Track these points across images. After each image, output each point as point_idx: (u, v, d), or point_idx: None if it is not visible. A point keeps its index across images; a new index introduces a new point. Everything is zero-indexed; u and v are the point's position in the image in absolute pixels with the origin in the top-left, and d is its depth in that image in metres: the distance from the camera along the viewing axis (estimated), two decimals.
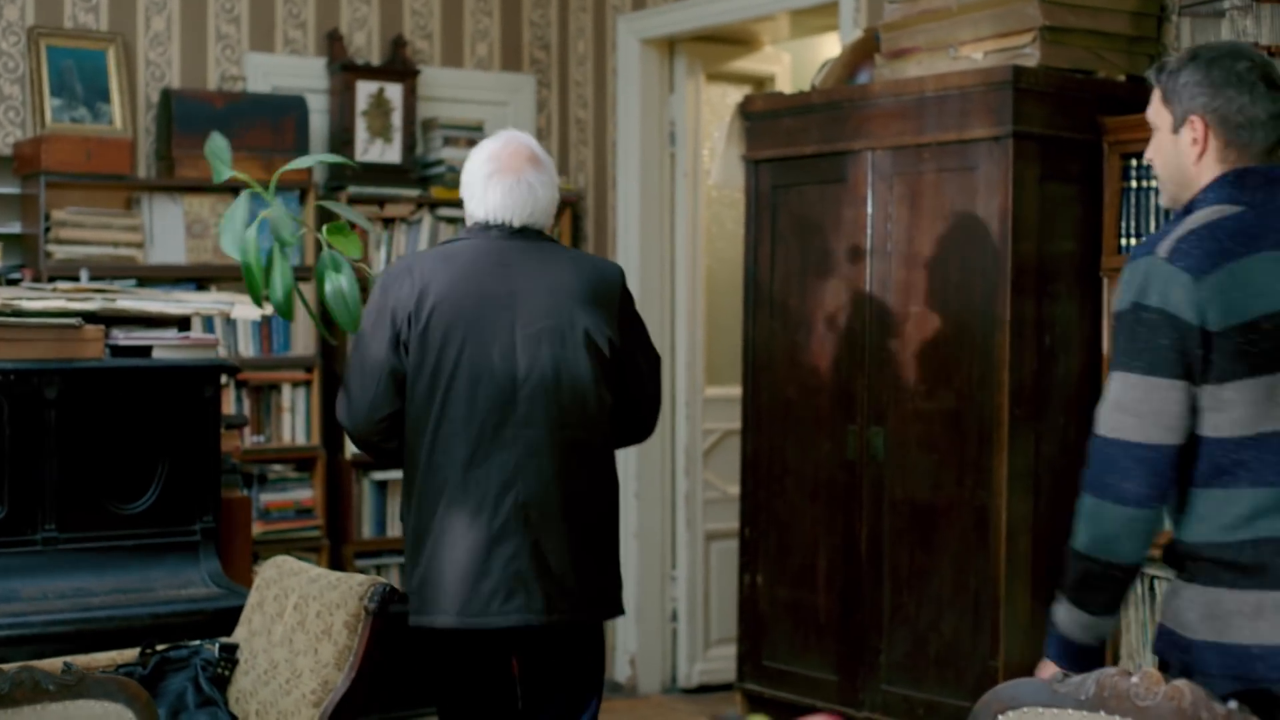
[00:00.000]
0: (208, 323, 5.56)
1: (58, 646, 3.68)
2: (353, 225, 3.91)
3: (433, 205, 6.38)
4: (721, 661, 6.55)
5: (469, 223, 3.80)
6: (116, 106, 5.88)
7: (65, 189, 5.73)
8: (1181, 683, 2.28)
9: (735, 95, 6.52)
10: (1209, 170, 2.86)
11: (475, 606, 3.60)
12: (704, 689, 6.66)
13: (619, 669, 6.68)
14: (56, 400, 3.96)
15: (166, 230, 5.90)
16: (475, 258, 3.69)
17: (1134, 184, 4.29)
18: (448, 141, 6.43)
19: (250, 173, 4.21)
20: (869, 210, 4.65)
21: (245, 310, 4.38)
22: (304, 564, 3.74)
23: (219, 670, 3.63)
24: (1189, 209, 2.86)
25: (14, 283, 4.84)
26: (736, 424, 5.30)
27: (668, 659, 6.73)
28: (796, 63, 6.94)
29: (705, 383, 6.73)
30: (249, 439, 5.93)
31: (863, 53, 4.96)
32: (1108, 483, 2.77)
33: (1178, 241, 2.78)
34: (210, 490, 4.17)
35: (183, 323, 4.44)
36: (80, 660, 3.42)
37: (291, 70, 6.33)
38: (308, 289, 5.13)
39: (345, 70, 6.27)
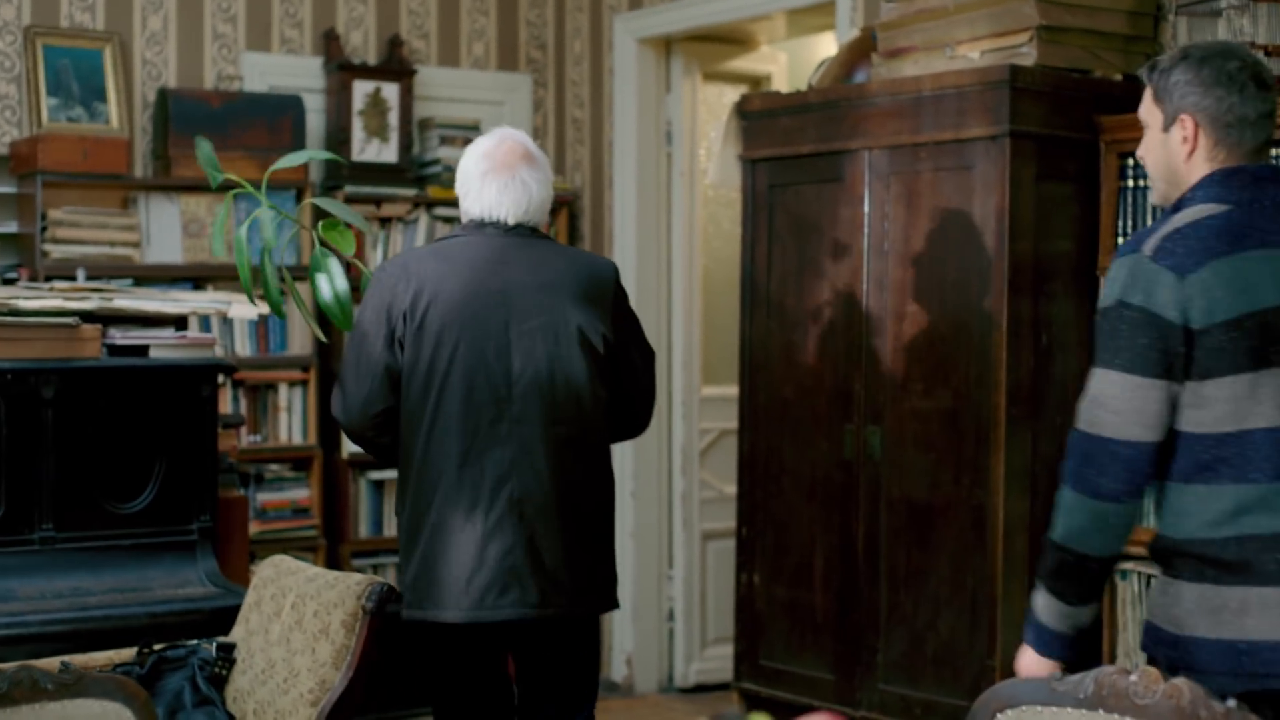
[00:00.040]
0: (204, 322, 5.57)
1: (55, 646, 3.68)
2: (348, 224, 3.92)
3: (429, 205, 6.38)
4: (718, 661, 6.55)
5: (464, 220, 3.81)
6: (113, 106, 5.88)
7: (62, 188, 5.72)
8: (1180, 681, 2.29)
9: (732, 95, 6.52)
10: (1198, 168, 2.89)
11: (470, 600, 3.62)
12: (700, 688, 6.66)
13: (615, 668, 6.68)
14: (54, 400, 3.96)
15: (163, 230, 5.89)
16: (470, 255, 3.70)
17: (1131, 183, 4.30)
18: (444, 141, 6.43)
19: (247, 172, 4.21)
20: (866, 209, 4.65)
21: (242, 310, 4.38)
22: (301, 563, 3.75)
23: (216, 669, 3.63)
24: (1178, 206, 2.90)
25: (11, 282, 4.83)
26: (733, 423, 5.30)
27: (664, 658, 6.73)
28: (793, 62, 6.94)
29: (702, 382, 6.73)
30: (245, 438, 5.93)
31: (859, 52, 4.97)
32: (1085, 477, 2.82)
33: (1163, 240, 2.81)
34: (207, 490, 4.17)
35: (179, 322, 4.44)
36: (78, 660, 3.41)
37: (288, 70, 6.33)
38: (306, 288, 5.13)
39: (342, 70, 6.27)
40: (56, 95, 5.80)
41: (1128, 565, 4.17)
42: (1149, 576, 4.04)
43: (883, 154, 4.61)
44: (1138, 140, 3.05)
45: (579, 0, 6.85)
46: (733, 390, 5.35)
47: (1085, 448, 2.83)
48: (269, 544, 5.79)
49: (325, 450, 6.15)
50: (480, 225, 3.76)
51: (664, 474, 6.71)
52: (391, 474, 5.77)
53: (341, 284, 3.86)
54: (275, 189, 5.49)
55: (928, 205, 4.50)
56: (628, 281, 6.19)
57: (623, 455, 6.49)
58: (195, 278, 5.88)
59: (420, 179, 6.44)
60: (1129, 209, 4.31)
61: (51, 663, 2.85)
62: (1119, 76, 4.52)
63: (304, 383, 6.11)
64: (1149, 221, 4.26)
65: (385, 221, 6.29)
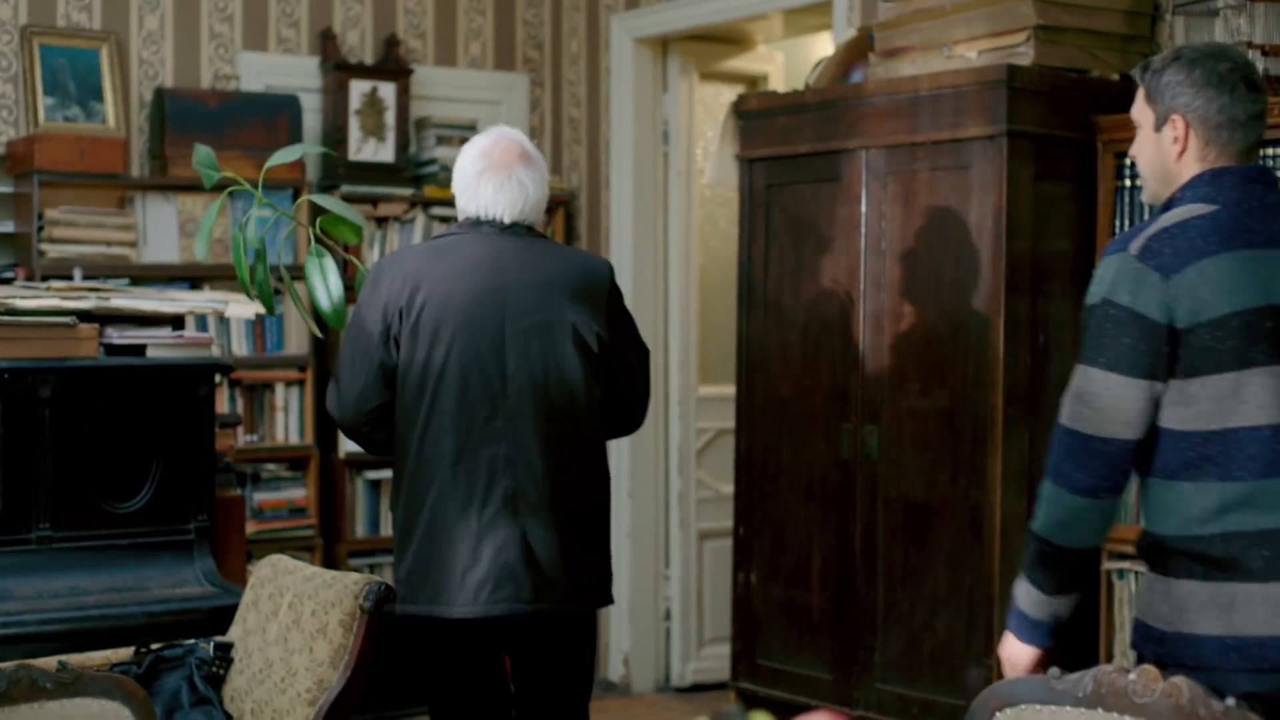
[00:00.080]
0: (201, 321, 5.57)
1: (52, 645, 3.68)
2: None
3: (426, 204, 6.38)
4: (714, 660, 6.56)
5: (460, 218, 3.84)
6: (110, 105, 5.87)
7: (58, 188, 5.72)
8: (1179, 679, 2.29)
9: (728, 94, 6.52)
10: (1189, 168, 2.93)
11: (464, 596, 3.64)
12: (697, 688, 6.66)
13: (612, 668, 6.68)
14: (51, 399, 3.96)
15: (159, 229, 5.89)
16: (466, 253, 3.72)
17: (1128, 183, 4.30)
18: (441, 141, 6.42)
19: (243, 172, 4.20)
20: (863, 209, 4.65)
21: (238, 309, 4.38)
22: (299, 563, 3.75)
23: (214, 669, 3.63)
24: (1168, 206, 2.94)
25: (7, 281, 4.83)
26: (730, 423, 5.30)
27: (661, 658, 6.73)
28: (789, 62, 6.94)
29: (698, 381, 6.73)
30: (242, 438, 5.93)
31: (857, 52, 4.97)
32: (1064, 471, 2.87)
33: (1149, 239, 2.85)
34: (205, 489, 4.17)
35: (176, 321, 4.44)
36: (75, 659, 3.41)
37: (285, 69, 6.33)
38: (303, 286, 5.13)
39: (338, 69, 6.27)
40: (53, 95, 5.80)
41: (1125, 565, 4.17)
42: None
43: (880, 154, 4.61)
44: (1134, 140, 3.08)
45: (575, 0, 6.85)
46: (729, 390, 5.35)
47: (1066, 442, 2.88)
48: (265, 544, 5.79)
49: (322, 450, 6.15)
50: (476, 223, 3.77)
51: (661, 473, 6.72)
52: (388, 474, 5.77)
53: (335, 282, 3.86)
54: (271, 189, 5.49)
55: (925, 205, 4.50)
56: (625, 281, 6.20)
57: (619, 455, 6.50)
58: (192, 277, 5.88)
59: (417, 178, 6.44)
60: (1126, 208, 4.32)
61: (49, 662, 2.84)
62: (1116, 76, 4.52)
63: (300, 382, 6.11)
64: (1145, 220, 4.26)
65: (382, 221, 6.29)
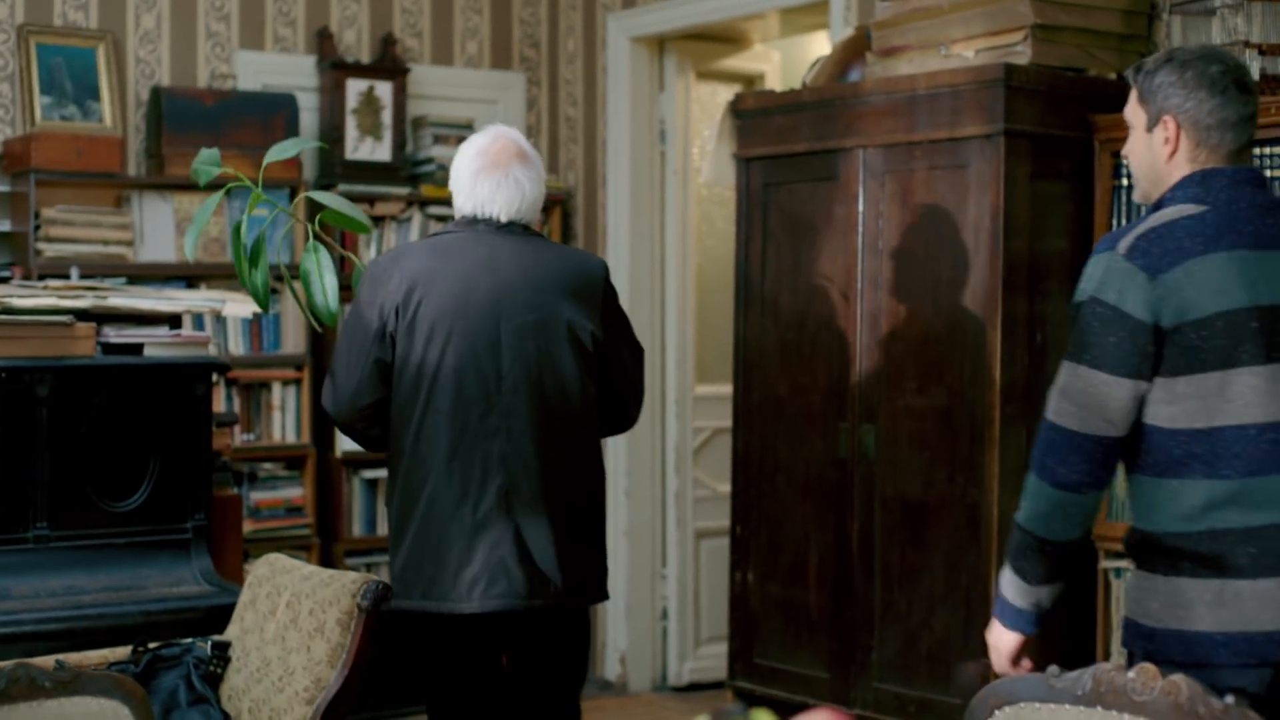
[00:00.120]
0: (198, 320, 5.57)
1: (50, 645, 3.68)
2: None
3: (423, 203, 6.38)
4: (711, 660, 6.55)
5: (457, 216, 3.86)
6: (106, 104, 5.87)
7: (55, 187, 5.72)
8: (1179, 677, 2.29)
9: (725, 93, 6.53)
10: (1179, 169, 2.96)
11: (458, 592, 3.66)
12: (694, 687, 6.66)
13: (609, 667, 6.68)
14: (48, 398, 3.95)
15: (156, 228, 5.89)
16: (463, 251, 3.74)
17: (1125, 181, 4.30)
18: (438, 139, 6.42)
19: (240, 171, 4.20)
20: (860, 208, 4.65)
21: (236, 308, 4.38)
22: (296, 561, 3.75)
23: (211, 668, 3.63)
24: (1158, 206, 2.97)
25: (4, 280, 4.82)
26: (726, 422, 5.30)
27: (658, 657, 6.73)
28: (786, 61, 6.94)
29: (695, 380, 6.73)
30: (239, 437, 5.93)
31: (854, 50, 4.97)
32: (1047, 465, 2.92)
33: (1137, 239, 2.88)
34: (202, 488, 4.17)
35: (174, 320, 4.44)
36: (72, 658, 3.41)
37: (281, 68, 6.32)
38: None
39: (335, 68, 6.27)
40: (50, 94, 5.80)
41: (1122, 564, 4.17)
42: None
43: (877, 153, 4.61)
44: (1127, 140, 3.10)
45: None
46: (726, 389, 5.35)
47: (1050, 437, 2.92)
48: (262, 543, 5.79)
49: (319, 449, 6.15)
50: (473, 222, 3.80)
51: (657, 473, 6.71)
52: (385, 473, 5.76)
53: (331, 280, 3.86)
54: (268, 188, 5.47)
55: (922, 204, 4.50)
56: (621, 280, 6.20)
57: (616, 454, 6.50)
58: (188, 276, 5.88)
59: (414, 177, 6.44)
60: (1123, 207, 4.32)
61: (46, 661, 2.84)
62: (1113, 75, 4.52)
63: (297, 381, 6.10)
64: None
65: (379, 220, 6.29)
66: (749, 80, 6.85)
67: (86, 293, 4.19)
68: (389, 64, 6.41)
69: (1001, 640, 3.07)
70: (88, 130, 5.79)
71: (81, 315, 4.08)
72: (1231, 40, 4.12)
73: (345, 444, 6.03)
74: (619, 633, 6.64)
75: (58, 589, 3.93)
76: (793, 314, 4.87)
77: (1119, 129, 4.25)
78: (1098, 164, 4.38)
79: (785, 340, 4.90)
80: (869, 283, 4.63)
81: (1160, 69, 2.96)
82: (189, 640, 3.69)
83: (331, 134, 6.24)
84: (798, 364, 4.85)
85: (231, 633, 3.71)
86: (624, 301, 3.94)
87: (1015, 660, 3.08)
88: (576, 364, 3.74)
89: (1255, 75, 4.02)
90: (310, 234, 3.90)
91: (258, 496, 5.97)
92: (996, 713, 2.47)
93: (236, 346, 6.01)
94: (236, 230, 3.85)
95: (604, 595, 3.86)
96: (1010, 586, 3.03)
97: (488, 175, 3.77)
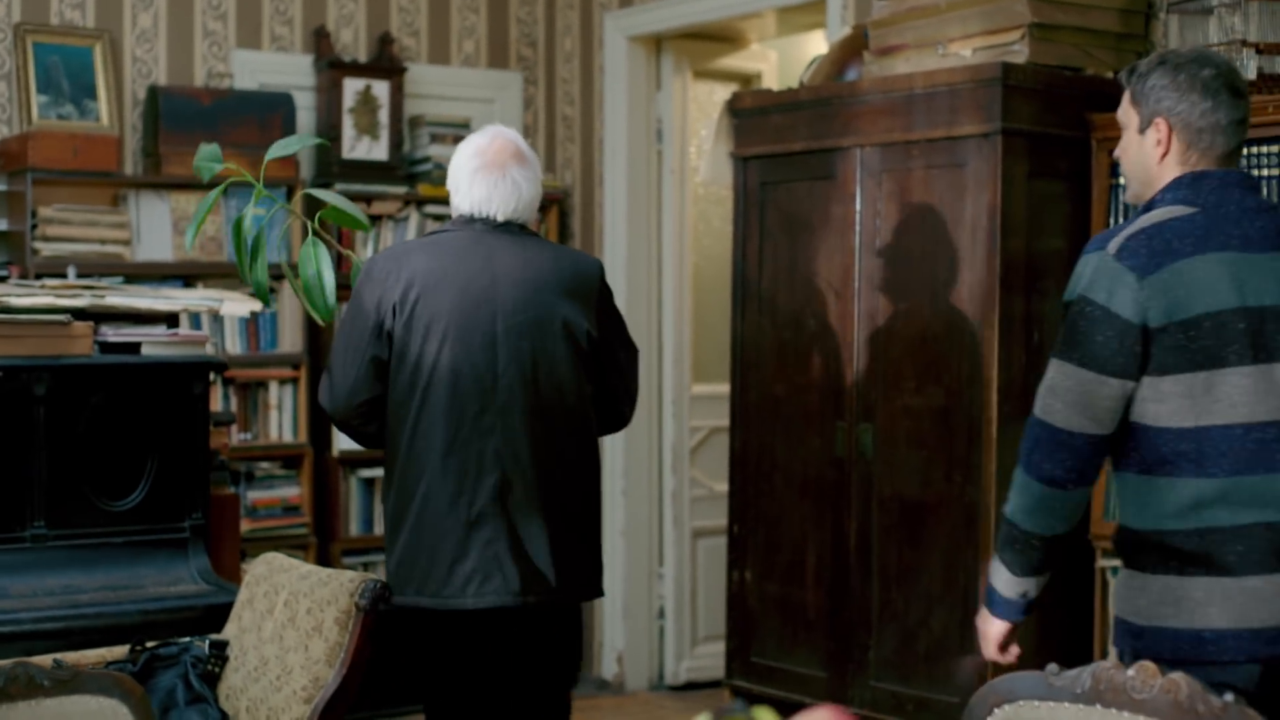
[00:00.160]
0: (195, 319, 5.56)
1: (47, 644, 3.68)
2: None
3: (420, 202, 6.38)
4: (708, 659, 6.55)
5: (454, 215, 3.88)
6: (103, 103, 5.87)
7: (52, 186, 5.71)
8: (1178, 675, 2.30)
9: (722, 93, 6.53)
10: (1170, 171, 3.00)
11: (453, 589, 3.68)
12: (691, 686, 6.66)
13: (606, 666, 6.68)
14: (45, 397, 3.95)
15: (153, 227, 5.88)
16: (460, 250, 3.76)
17: (1122, 181, 4.30)
18: (435, 139, 6.42)
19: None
20: (857, 207, 4.65)
21: (233, 307, 4.38)
22: (294, 560, 3.75)
23: (209, 667, 3.63)
24: (1149, 206, 3.01)
25: (1, 280, 4.82)
26: (723, 421, 5.30)
27: (655, 656, 6.73)
28: (783, 60, 6.94)
29: (692, 380, 6.73)
30: (236, 436, 5.92)
31: (851, 50, 4.97)
32: (1034, 460, 2.96)
33: (1127, 239, 2.92)
34: (199, 487, 4.17)
35: (171, 319, 4.44)
36: (70, 657, 3.41)
37: (278, 67, 6.32)
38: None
39: (332, 67, 6.27)
40: (47, 92, 5.79)
41: (1118, 563, 4.17)
42: None
43: (874, 151, 4.61)
44: (1119, 141, 3.13)
45: None
46: (723, 388, 5.35)
47: (1037, 433, 2.96)
48: (259, 542, 5.78)
49: (316, 448, 6.15)
50: (470, 221, 3.81)
51: (654, 472, 6.71)
52: (382, 472, 5.77)
53: (329, 276, 3.86)
54: (266, 186, 5.47)
55: (919, 203, 4.51)
56: (618, 279, 6.20)
57: (613, 453, 6.50)
58: (186, 275, 5.87)
59: (411, 176, 6.44)
60: (1120, 206, 4.32)
61: (44, 660, 2.84)
62: (1111, 74, 4.53)
63: (294, 380, 6.10)
64: None
65: (376, 219, 6.29)
66: (746, 79, 6.85)
67: (84, 292, 4.19)
68: (386, 63, 6.41)
69: (990, 627, 3.12)
70: (85, 129, 5.78)
71: (79, 314, 4.08)
72: (1229, 39, 4.12)
73: (342, 443, 6.03)
74: (616, 632, 6.64)
75: (55, 588, 3.93)
76: (790, 313, 4.87)
77: (1116, 128, 4.25)
78: (1095, 163, 4.38)
79: (782, 339, 4.90)
80: (866, 282, 4.63)
81: (1153, 72, 2.99)
82: (187, 639, 3.69)
83: (328, 133, 6.24)
84: (795, 363, 4.85)
85: (229, 632, 3.71)
86: (621, 301, 3.95)
87: (1003, 647, 3.13)
88: (572, 362, 3.76)
89: (1252, 74, 4.03)
90: (310, 230, 3.90)
91: (255, 496, 5.97)
92: (996, 711, 2.48)
93: (234, 346, 6.01)
94: (238, 225, 3.86)
95: (599, 592, 3.88)
96: (998, 576, 3.08)
97: (485, 175, 3.78)
